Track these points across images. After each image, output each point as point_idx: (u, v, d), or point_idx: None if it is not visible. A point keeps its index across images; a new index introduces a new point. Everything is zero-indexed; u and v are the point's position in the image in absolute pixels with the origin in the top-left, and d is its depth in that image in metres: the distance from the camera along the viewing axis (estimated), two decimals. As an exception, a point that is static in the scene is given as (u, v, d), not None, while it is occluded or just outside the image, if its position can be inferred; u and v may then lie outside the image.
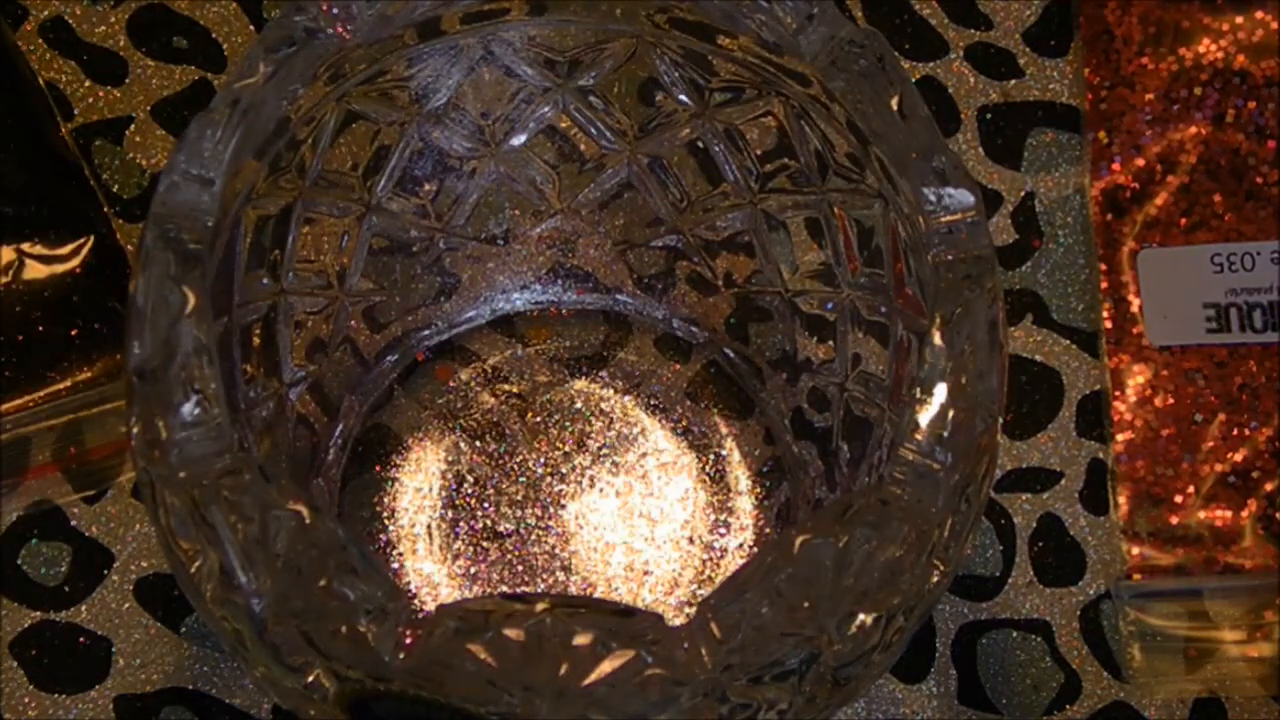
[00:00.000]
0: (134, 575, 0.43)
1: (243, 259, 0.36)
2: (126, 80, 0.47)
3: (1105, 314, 0.46)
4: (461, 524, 0.43)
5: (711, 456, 0.44)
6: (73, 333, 0.42)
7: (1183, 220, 0.46)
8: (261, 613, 0.30)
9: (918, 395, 0.31)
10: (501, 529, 0.43)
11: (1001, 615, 0.45)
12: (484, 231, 0.43)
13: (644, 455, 0.44)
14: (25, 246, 0.42)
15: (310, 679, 0.30)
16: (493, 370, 0.45)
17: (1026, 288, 0.47)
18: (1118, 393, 0.45)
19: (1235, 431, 0.45)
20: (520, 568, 0.43)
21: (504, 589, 0.43)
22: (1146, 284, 0.46)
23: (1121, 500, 0.45)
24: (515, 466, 0.44)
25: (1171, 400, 0.45)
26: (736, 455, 0.44)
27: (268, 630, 0.30)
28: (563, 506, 0.43)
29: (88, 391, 0.42)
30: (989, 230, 0.33)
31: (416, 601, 0.43)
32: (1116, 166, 0.46)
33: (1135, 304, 0.46)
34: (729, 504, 0.44)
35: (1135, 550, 0.44)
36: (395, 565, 0.43)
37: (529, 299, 0.45)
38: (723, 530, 0.43)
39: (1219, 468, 0.44)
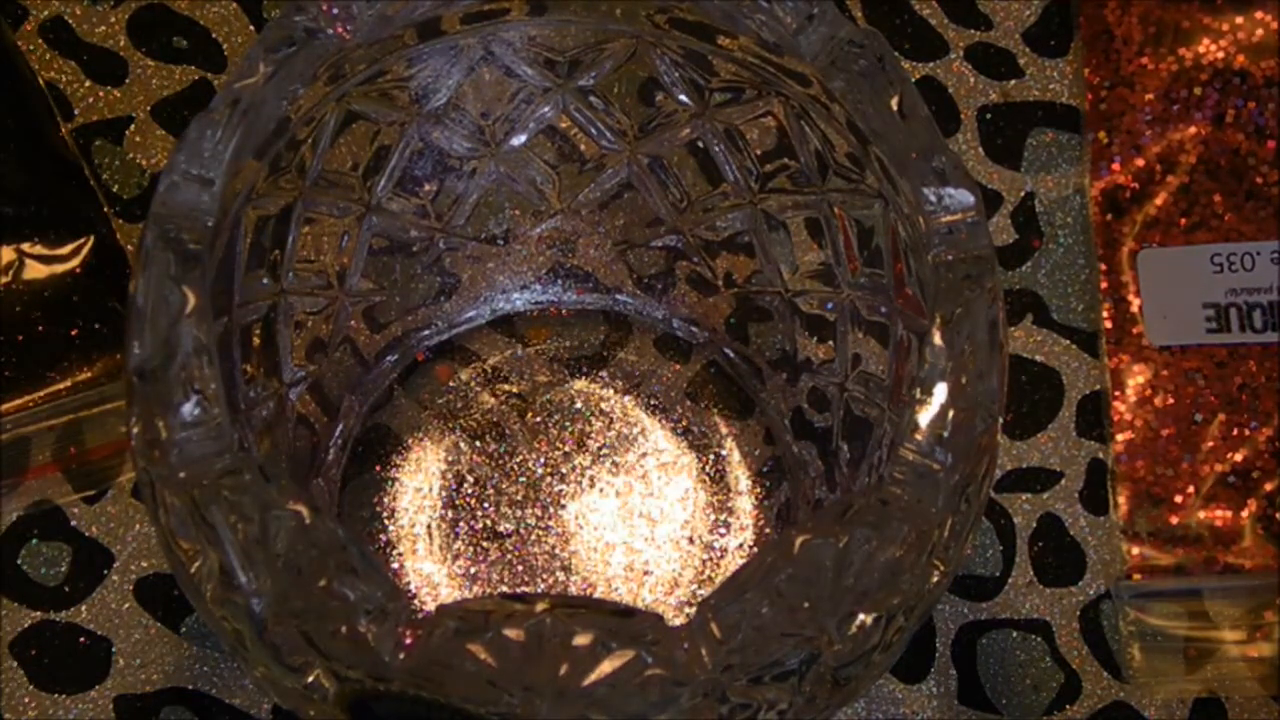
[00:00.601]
0: (134, 575, 0.43)
1: (243, 259, 0.36)
2: (126, 80, 0.47)
3: (1105, 314, 0.46)
4: (461, 524, 0.43)
5: (711, 456, 0.44)
6: (73, 333, 0.42)
7: (1183, 220, 0.46)
8: (261, 613, 0.30)
9: (918, 395, 0.31)
10: (501, 529, 0.43)
11: (1001, 615, 0.45)
12: (484, 231, 0.43)
13: (644, 455, 0.44)
14: (25, 246, 0.42)
15: (310, 679, 0.30)
16: (493, 370, 0.45)
17: (1026, 288, 0.47)
18: (1118, 393, 0.45)
19: (1235, 431, 0.45)
20: (520, 568, 0.43)
21: (504, 589, 0.43)
22: (1146, 284, 0.46)
23: (1121, 500, 0.45)
24: (515, 466, 0.44)
25: (1171, 400, 0.45)
26: (736, 455, 0.44)
27: (268, 630, 0.30)
28: (563, 506, 0.43)
29: (88, 391, 0.42)
30: (989, 230, 0.33)
31: (416, 601, 0.43)
32: (1116, 166, 0.46)
33: (1135, 304, 0.46)
34: (729, 504, 0.44)
35: (1135, 550, 0.44)
36: (395, 565, 0.43)
37: (529, 299, 0.45)
38: (723, 530, 0.43)
39: (1219, 468, 0.44)
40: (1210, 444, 0.45)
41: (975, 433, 0.31)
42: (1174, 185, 0.46)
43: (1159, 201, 0.46)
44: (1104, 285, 0.46)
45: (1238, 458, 0.44)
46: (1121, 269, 0.46)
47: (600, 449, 0.44)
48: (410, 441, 0.44)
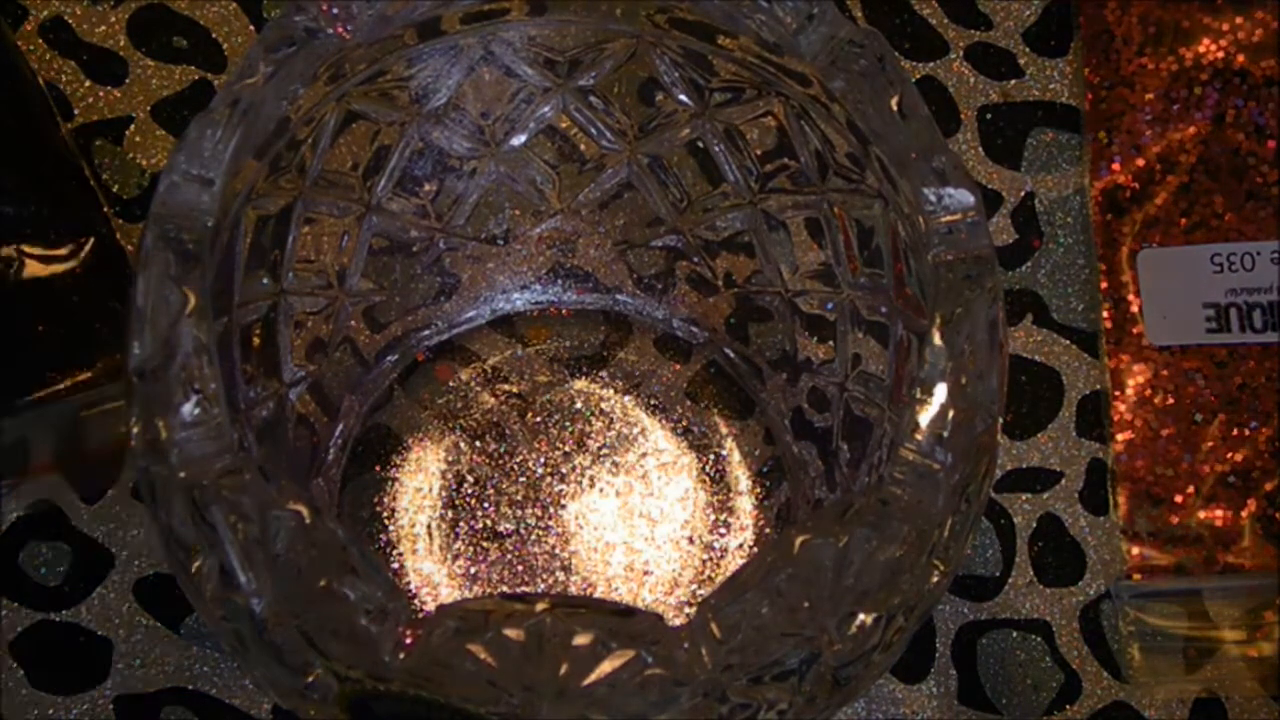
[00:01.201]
0: (134, 575, 0.43)
1: (243, 259, 0.36)
2: (126, 80, 0.47)
3: (1105, 314, 0.46)
4: (461, 524, 0.43)
5: (711, 456, 0.44)
6: (73, 333, 0.42)
7: (1183, 220, 0.46)
8: (261, 613, 0.30)
9: (918, 395, 0.31)
10: (501, 529, 0.43)
11: (1001, 615, 0.45)
12: (484, 231, 0.43)
13: (644, 455, 0.44)
14: (25, 246, 0.42)
15: (310, 679, 0.30)
16: (493, 370, 0.45)
17: (1026, 288, 0.47)
18: (1118, 393, 0.45)
19: (1235, 431, 0.45)
20: (520, 568, 0.43)
21: (504, 589, 0.43)
22: (1146, 284, 0.46)
23: (1121, 500, 0.45)
24: (515, 466, 0.44)
25: (1171, 400, 0.45)
26: (736, 455, 0.44)
27: (268, 630, 0.30)
28: (563, 506, 0.43)
29: (88, 391, 0.42)
30: (989, 230, 0.33)
31: (416, 601, 0.43)
32: (1116, 166, 0.46)
33: (1135, 304, 0.46)
34: (729, 504, 0.44)
35: (1135, 550, 0.44)
36: (395, 565, 0.43)
37: (529, 299, 0.45)
38: (723, 530, 0.43)
39: (1219, 468, 0.44)
40: (1210, 444, 0.45)
41: (975, 433, 0.31)
42: (1174, 185, 0.46)
43: (1159, 201, 0.46)
44: (1104, 285, 0.46)
45: (1238, 458, 0.44)
46: (1121, 269, 0.46)
47: (600, 449, 0.44)
48: (410, 441, 0.44)
